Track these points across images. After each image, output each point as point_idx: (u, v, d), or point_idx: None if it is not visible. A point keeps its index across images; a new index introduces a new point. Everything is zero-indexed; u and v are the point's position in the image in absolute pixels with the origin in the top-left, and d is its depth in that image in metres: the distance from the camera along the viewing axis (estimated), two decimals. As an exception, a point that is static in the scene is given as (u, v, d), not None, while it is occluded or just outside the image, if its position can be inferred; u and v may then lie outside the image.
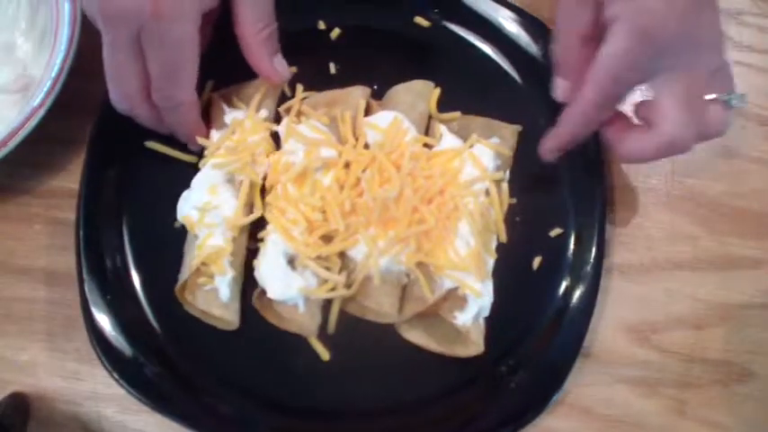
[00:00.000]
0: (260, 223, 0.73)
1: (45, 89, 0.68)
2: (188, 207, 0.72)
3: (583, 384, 0.75)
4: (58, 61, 0.69)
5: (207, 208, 0.71)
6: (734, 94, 0.65)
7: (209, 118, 0.76)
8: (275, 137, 0.77)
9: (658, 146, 0.64)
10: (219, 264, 0.70)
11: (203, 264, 0.70)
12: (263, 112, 0.76)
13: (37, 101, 0.68)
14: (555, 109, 0.77)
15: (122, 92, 0.68)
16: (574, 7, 0.65)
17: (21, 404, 0.71)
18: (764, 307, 0.79)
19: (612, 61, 0.61)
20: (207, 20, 0.68)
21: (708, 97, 0.64)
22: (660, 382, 0.76)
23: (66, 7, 0.71)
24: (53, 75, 0.69)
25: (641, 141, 0.65)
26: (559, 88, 0.69)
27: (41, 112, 0.68)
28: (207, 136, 0.75)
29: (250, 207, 0.73)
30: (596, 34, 0.64)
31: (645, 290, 0.78)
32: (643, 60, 0.61)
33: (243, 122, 0.74)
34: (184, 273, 0.71)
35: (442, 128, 0.78)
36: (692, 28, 0.61)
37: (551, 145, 0.71)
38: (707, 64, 0.64)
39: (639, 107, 0.67)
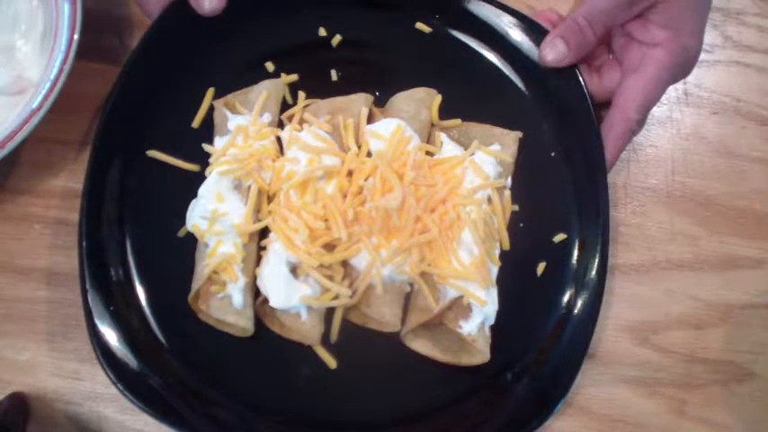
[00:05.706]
0: (264, 231, 0.73)
1: (44, 91, 0.68)
2: (196, 216, 0.71)
3: (583, 384, 0.75)
4: (57, 63, 0.69)
5: (215, 216, 0.70)
6: None
7: (212, 126, 0.76)
8: (280, 141, 0.76)
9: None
10: (231, 271, 0.69)
11: (215, 272, 0.70)
12: (267, 117, 0.75)
13: (36, 102, 0.68)
14: (557, 115, 0.77)
15: None
16: (622, 5, 0.74)
17: (21, 404, 0.71)
18: (764, 307, 0.79)
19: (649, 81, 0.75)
20: None
21: None
22: (660, 382, 0.76)
23: (66, 9, 0.71)
24: (52, 76, 0.69)
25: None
26: (555, 50, 0.76)
27: (40, 114, 0.68)
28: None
29: (258, 213, 0.73)
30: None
31: (645, 290, 0.79)
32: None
33: (247, 128, 0.74)
34: (196, 282, 0.70)
35: (443, 136, 0.77)
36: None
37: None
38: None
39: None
